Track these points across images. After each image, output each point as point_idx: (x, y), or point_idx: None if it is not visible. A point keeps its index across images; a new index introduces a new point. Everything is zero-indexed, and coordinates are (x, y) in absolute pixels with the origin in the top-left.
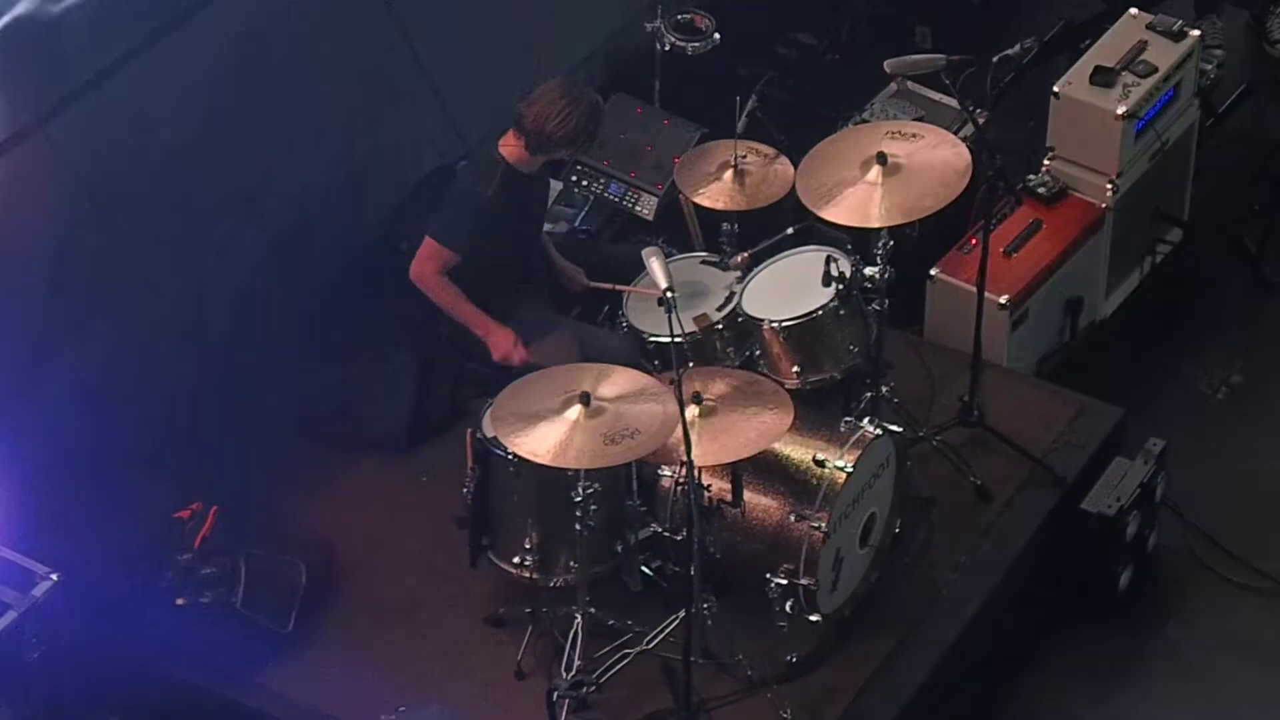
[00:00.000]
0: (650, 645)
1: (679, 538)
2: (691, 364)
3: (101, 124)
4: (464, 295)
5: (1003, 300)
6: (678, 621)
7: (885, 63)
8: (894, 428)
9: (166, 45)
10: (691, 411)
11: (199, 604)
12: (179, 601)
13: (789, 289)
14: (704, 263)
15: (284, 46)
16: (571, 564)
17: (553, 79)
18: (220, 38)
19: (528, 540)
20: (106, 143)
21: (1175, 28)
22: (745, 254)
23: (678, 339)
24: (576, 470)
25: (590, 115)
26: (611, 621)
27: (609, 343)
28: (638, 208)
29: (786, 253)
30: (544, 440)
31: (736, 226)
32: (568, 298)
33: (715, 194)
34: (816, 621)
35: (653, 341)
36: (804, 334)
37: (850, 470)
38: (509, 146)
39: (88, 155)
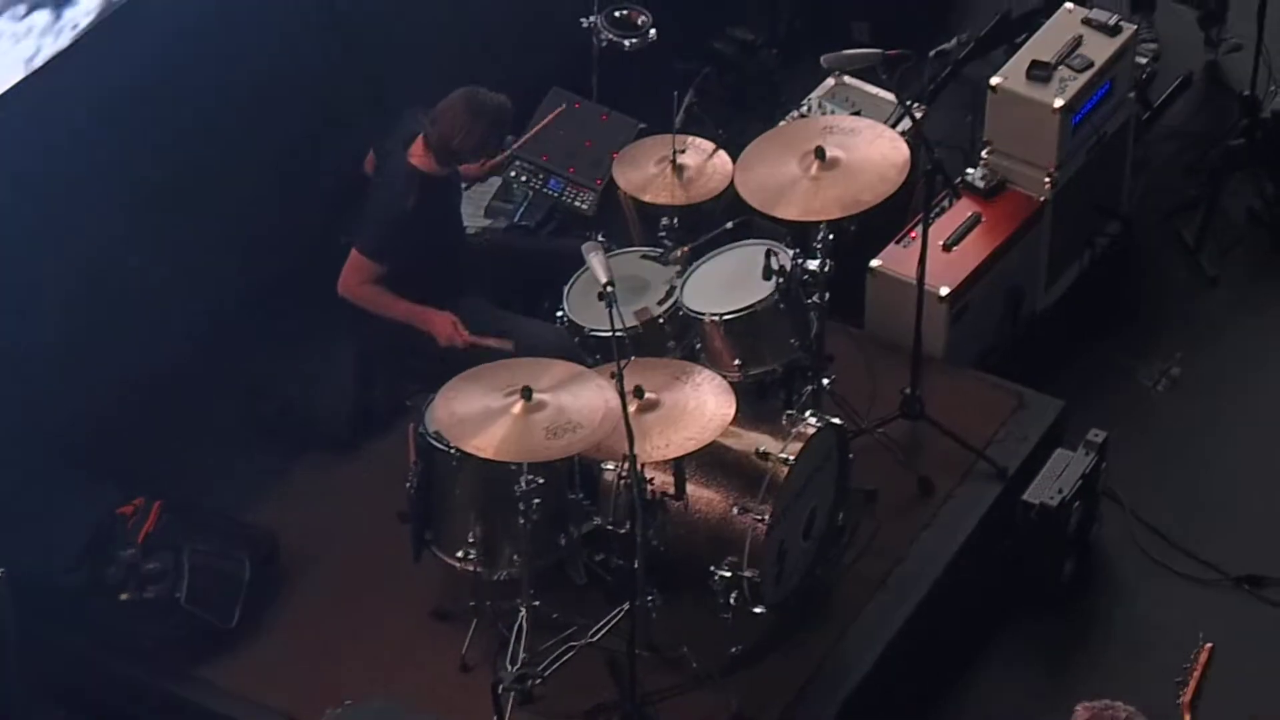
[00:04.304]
0: (595, 638)
1: (622, 531)
2: (633, 358)
3: (40, 113)
4: (393, 295)
5: (943, 293)
6: (622, 614)
7: (822, 58)
8: (836, 420)
9: (107, 36)
10: (633, 405)
11: (143, 599)
12: (123, 596)
13: (729, 283)
14: (644, 257)
15: (227, 40)
16: (515, 557)
17: (458, 91)
18: (161, 30)
19: (471, 534)
20: (44, 133)
21: (1111, 22)
22: (685, 248)
23: (619, 333)
24: (519, 464)
25: (494, 124)
26: (556, 615)
27: (544, 336)
28: (577, 203)
29: (726, 247)
30: (486, 434)
31: (676, 221)
32: (506, 294)
33: (654, 189)
34: (760, 613)
35: (594, 336)
36: (745, 327)
37: (793, 462)
38: (419, 157)
39: (21, 145)
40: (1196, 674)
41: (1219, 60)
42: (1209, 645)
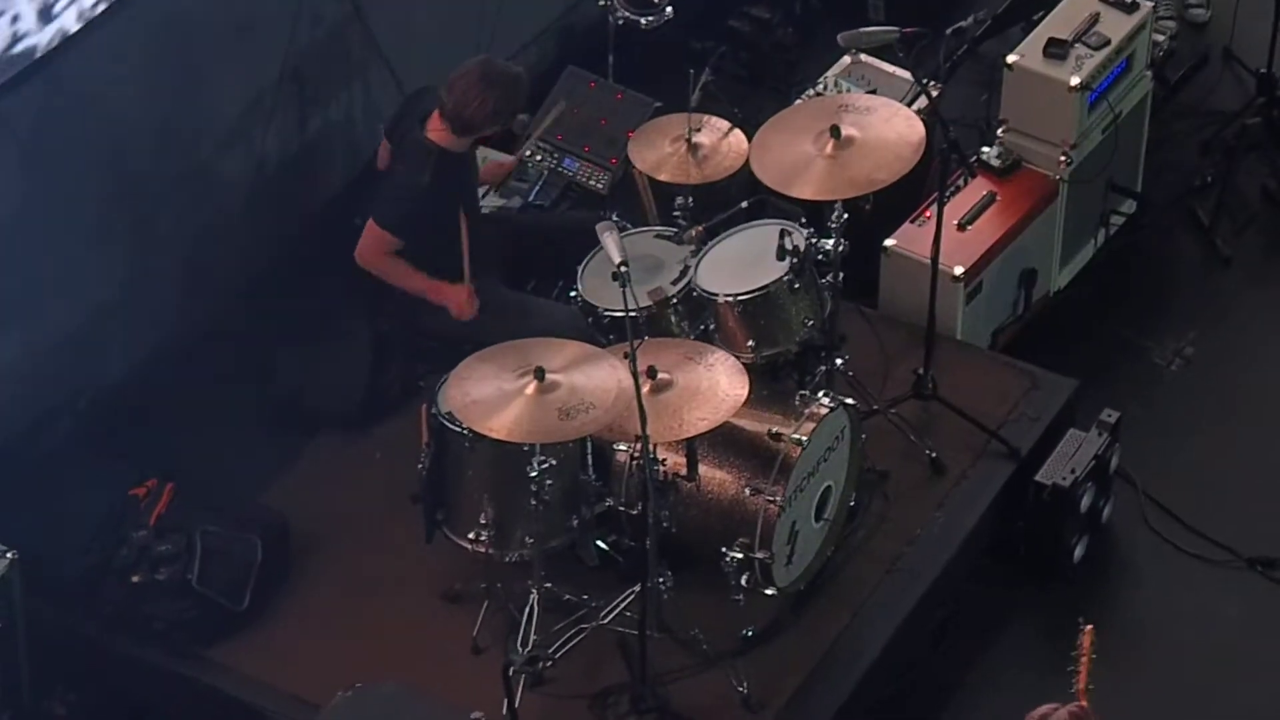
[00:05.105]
0: (606, 620)
1: (634, 512)
2: (646, 338)
3: (46, 99)
4: (411, 267)
5: (957, 272)
6: (633, 596)
7: (838, 36)
8: (849, 401)
9: (114, 18)
10: (646, 385)
11: (154, 581)
12: (134, 578)
13: (743, 263)
14: (658, 237)
15: (233, 22)
16: (527, 539)
17: (473, 60)
18: (169, 9)
19: (483, 515)
20: (50, 119)
21: (1128, 0)
22: (699, 228)
23: (632, 313)
24: (531, 445)
25: (508, 94)
26: (567, 596)
27: (557, 316)
28: (592, 182)
29: (740, 227)
30: (499, 415)
31: (691, 200)
32: (519, 274)
33: (669, 168)
34: (772, 595)
35: (607, 315)
36: (758, 308)
37: (805, 443)
38: (437, 131)
39: (30, 131)
40: (1084, 659)
41: (1206, 23)
42: (1089, 627)
